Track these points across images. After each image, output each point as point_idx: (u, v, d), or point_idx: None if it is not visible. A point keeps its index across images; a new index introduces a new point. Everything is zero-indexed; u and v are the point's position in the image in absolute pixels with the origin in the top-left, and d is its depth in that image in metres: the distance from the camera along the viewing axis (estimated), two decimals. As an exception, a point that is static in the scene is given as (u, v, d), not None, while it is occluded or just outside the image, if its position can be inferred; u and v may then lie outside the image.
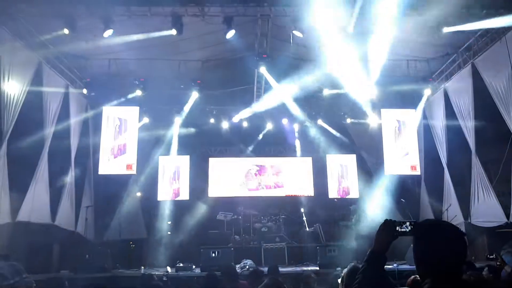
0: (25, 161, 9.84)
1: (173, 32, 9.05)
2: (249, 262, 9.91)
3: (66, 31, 8.75)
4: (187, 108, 13.27)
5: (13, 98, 8.86)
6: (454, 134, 11.65)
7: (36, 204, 9.60)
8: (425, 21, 9.27)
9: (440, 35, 9.29)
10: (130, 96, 12.24)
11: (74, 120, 11.73)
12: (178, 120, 13.88)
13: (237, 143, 14.83)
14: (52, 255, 10.61)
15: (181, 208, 13.67)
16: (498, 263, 4.84)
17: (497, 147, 10.44)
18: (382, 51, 10.34)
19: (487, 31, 9.84)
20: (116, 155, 12.25)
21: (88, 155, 12.82)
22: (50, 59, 10.42)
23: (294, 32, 9.36)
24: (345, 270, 3.35)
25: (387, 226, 2.11)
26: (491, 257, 5.42)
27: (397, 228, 2.13)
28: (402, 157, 12.86)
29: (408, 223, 2.14)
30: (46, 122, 10.29)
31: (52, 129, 10.53)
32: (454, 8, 8.72)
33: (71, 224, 11.38)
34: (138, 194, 13.67)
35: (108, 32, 9.06)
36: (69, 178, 11.46)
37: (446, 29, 9.26)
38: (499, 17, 8.92)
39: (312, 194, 14.54)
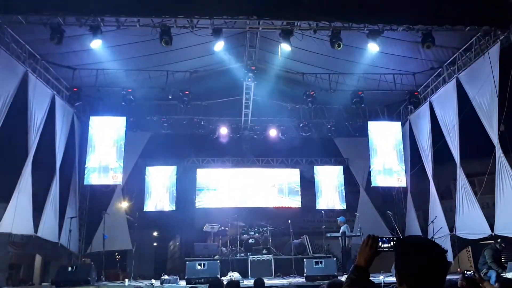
0: (8, 170, 9.68)
1: (162, 43, 9.03)
2: (235, 274, 9.82)
3: (53, 41, 8.65)
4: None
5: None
6: (439, 146, 11.81)
7: (18, 214, 9.37)
8: (411, 37, 9.47)
9: (425, 50, 9.44)
10: (117, 106, 12.16)
11: (60, 130, 11.58)
12: (164, 130, 13.81)
13: (224, 154, 14.81)
14: (34, 267, 10.39)
15: (167, 219, 13.56)
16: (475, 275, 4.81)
17: (482, 160, 10.61)
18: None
19: (471, 46, 10.07)
20: (102, 166, 12.14)
21: (74, 165, 12.66)
22: (37, 68, 10.32)
23: (282, 45, 9.45)
24: (325, 285, 3.30)
25: (371, 242, 2.12)
26: (469, 273, 5.45)
27: (380, 244, 2.14)
28: (389, 169, 12.99)
29: (391, 239, 2.15)
30: (31, 132, 10.13)
31: (37, 138, 10.38)
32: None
33: (54, 236, 11.15)
34: (124, 204, 13.52)
35: (96, 43, 9.04)
36: (53, 188, 11.28)
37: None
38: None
39: (300, 206, 14.54)
